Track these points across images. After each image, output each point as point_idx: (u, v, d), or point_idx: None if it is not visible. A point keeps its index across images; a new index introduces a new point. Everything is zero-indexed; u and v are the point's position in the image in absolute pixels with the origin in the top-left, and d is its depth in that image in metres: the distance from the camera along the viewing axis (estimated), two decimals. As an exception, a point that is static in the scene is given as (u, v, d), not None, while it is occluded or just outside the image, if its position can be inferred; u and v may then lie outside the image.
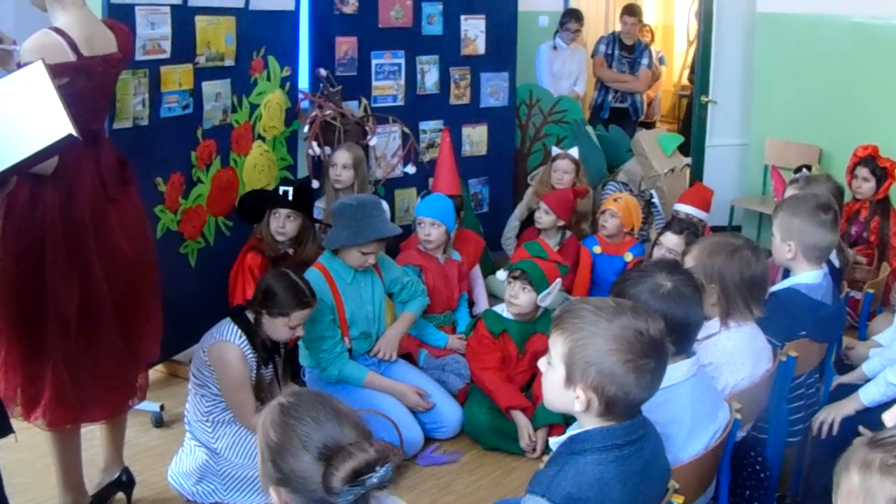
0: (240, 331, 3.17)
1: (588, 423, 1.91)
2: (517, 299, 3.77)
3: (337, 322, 3.71)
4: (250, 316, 3.23)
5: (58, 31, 2.71)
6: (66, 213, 2.74)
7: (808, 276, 3.07)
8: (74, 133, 2.41)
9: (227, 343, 3.15)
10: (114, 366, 2.92)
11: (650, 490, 1.94)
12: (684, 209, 4.75)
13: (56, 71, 2.62)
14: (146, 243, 3.07)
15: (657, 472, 1.98)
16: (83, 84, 2.74)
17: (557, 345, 1.91)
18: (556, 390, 1.92)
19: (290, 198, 4.02)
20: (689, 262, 2.73)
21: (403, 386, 3.76)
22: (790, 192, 4.01)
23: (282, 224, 4.02)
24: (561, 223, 4.95)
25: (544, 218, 4.92)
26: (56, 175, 2.70)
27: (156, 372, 4.15)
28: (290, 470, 1.61)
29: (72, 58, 2.70)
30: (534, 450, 3.64)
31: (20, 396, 2.80)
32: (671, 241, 4.16)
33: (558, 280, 3.81)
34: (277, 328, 3.21)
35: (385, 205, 4.50)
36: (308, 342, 3.70)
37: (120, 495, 3.25)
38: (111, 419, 3.09)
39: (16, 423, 2.86)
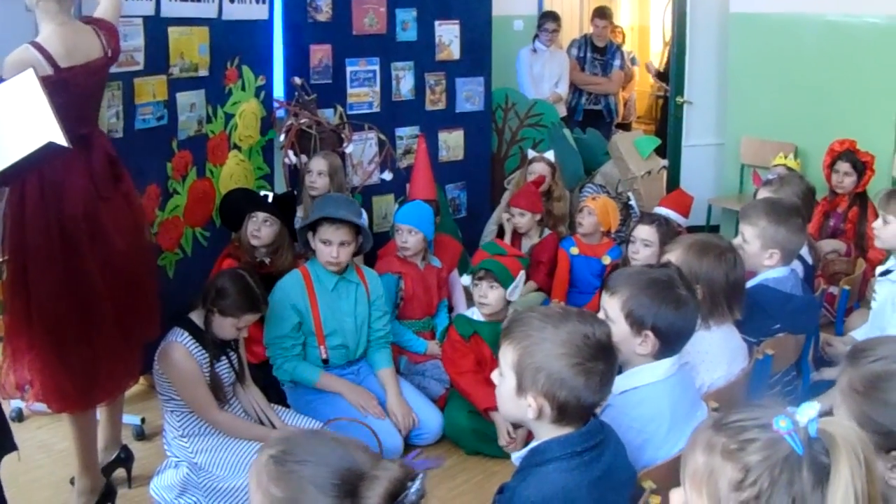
0: (182, 331, 3.18)
1: (543, 432, 1.93)
2: (487, 298, 3.78)
3: (307, 327, 3.70)
4: (196, 316, 3.22)
5: (36, 45, 2.80)
6: (57, 213, 2.87)
7: (774, 272, 3.10)
8: (64, 141, 2.59)
9: (170, 343, 3.16)
10: (112, 352, 3.08)
11: (616, 495, 1.95)
12: (664, 213, 4.77)
13: None
14: (139, 234, 3.26)
15: (621, 475, 1.99)
16: (65, 95, 2.81)
17: (507, 354, 1.93)
18: (509, 401, 1.95)
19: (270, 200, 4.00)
20: (671, 259, 2.71)
21: (354, 387, 3.76)
22: (763, 193, 4.03)
23: (258, 228, 3.95)
24: (538, 217, 4.97)
25: (521, 221, 4.95)
26: (45, 178, 2.84)
27: (136, 385, 4.11)
28: None
29: (49, 71, 2.78)
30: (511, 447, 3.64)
31: (14, 380, 2.98)
32: (643, 232, 4.16)
33: (522, 272, 3.84)
34: (225, 327, 3.20)
35: (363, 214, 4.50)
36: (268, 339, 3.70)
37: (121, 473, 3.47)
38: (111, 402, 3.32)
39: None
